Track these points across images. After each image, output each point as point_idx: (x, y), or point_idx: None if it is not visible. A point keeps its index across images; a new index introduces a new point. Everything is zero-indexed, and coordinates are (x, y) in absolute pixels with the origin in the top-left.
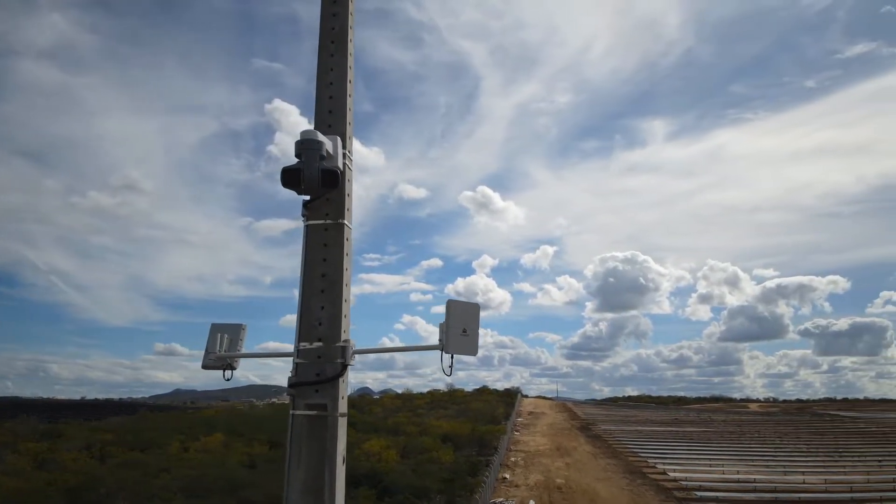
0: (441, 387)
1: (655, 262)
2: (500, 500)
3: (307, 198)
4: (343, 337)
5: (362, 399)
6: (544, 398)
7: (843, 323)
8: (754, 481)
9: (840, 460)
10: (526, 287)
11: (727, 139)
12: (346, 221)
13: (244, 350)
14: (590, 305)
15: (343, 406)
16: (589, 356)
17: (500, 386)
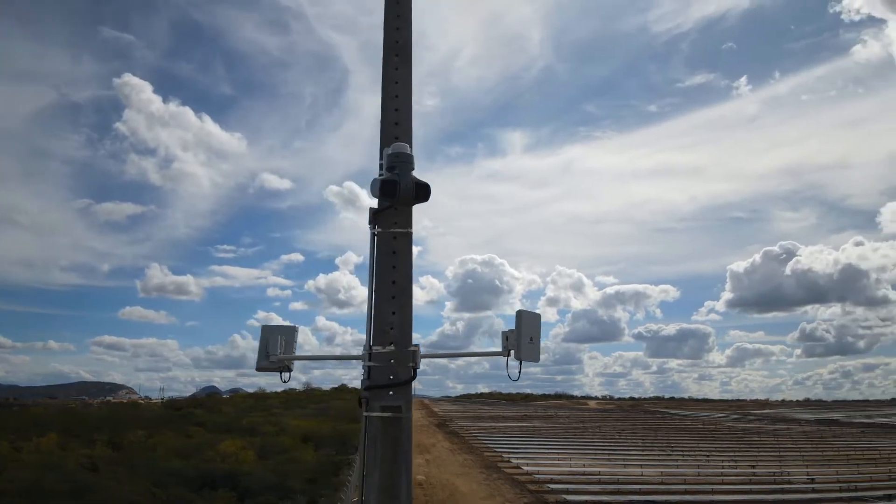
0: (296, 386)
1: (511, 266)
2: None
3: (374, 206)
4: (412, 342)
5: (211, 398)
6: None
7: (671, 328)
8: (598, 474)
9: (672, 454)
10: None
11: (578, 154)
12: (412, 231)
13: (297, 351)
14: (449, 305)
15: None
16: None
17: (358, 384)
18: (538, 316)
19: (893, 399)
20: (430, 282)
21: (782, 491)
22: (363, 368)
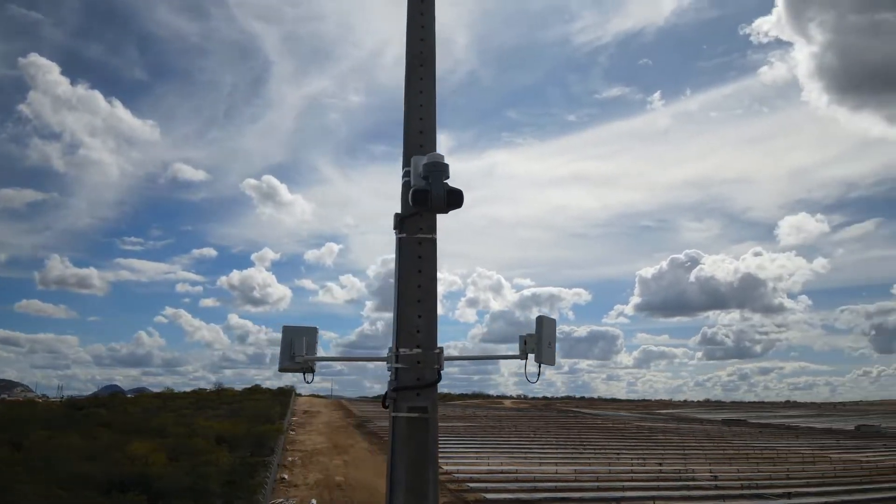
0: (205, 385)
1: None
2: (280, 500)
3: (398, 212)
4: (437, 344)
5: (115, 398)
6: (318, 396)
7: (582, 330)
8: (516, 472)
9: (585, 452)
10: (308, 284)
11: (500, 159)
12: (436, 236)
13: (316, 352)
14: (369, 304)
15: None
16: (364, 354)
17: (272, 385)
18: (555, 321)
19: (787, 401)
20: (351, 281)
21: (688, 488)
22: (389, 370)
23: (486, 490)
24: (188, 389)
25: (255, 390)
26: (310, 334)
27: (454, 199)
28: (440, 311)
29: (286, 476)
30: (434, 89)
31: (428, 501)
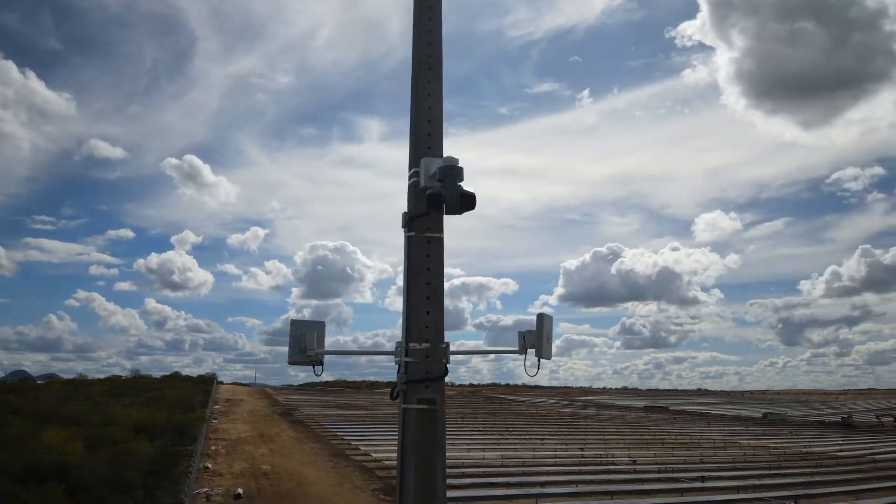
0: (120, 372)
1: (363, 254)
2: (205, 489)
3: (406, 211)
4: (445, 339)
5: (23, 384)
6: (240, 384)
7: (509, 319)
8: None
9: (510, 438)
10: (231, 269)
11: None
12: (443, 235)
13: (326, 345)
14: (296, 292)
15: None
16: (288, 342)
17: (191, 372)
18: (552, 318)
19: (699, 389)
20: (277, 266)
21: (608, 472)
22: (397, 364)
23: None
24: (102, 376)
25: (175, 378)
26: (318, 328)
27: (467, 202)
28: (448, 305)
29: (210, 465)
30: (441, 93)
31: (437, 487)
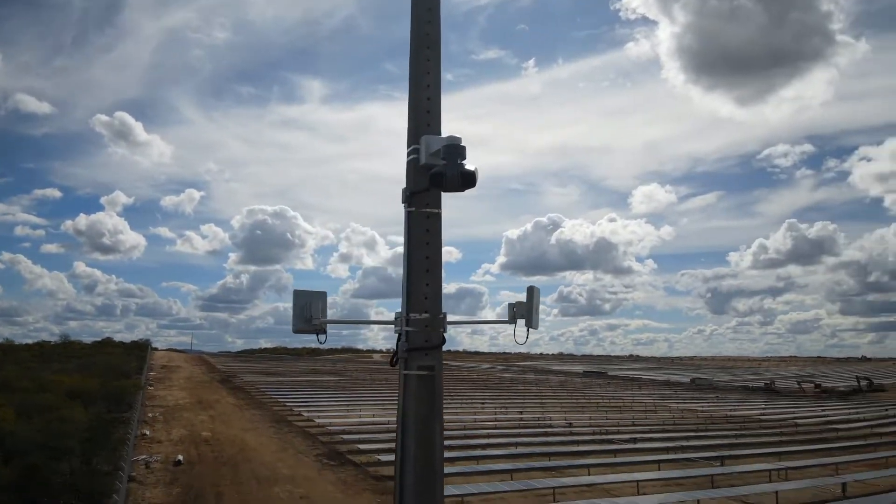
0: (48, 337)
1: (304, 220)
2: (144, 456)
3: (405, 188)
4: (442, 310)
5: None
6: (176, 351)
7: (452, 287)
8: (388, 423)
9: (452, 402)
10: (165, 232)
11: (376, 112)
12: (441, 211)
13: (328, 314)
14: (233, 257)
15: None
16: (226, 308)
17: (123, 338)
18: (539, 290)
19: (630, 355)
20: (213, 230)
21: (546, 434)
22: (398, 333)
23: (360, 441)
24: (30, 341)
25: (107, 343)
26: (321, 298)
27: (468, 180)
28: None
29: (148, 432)
30: (439, 71)
31: (436, 448)
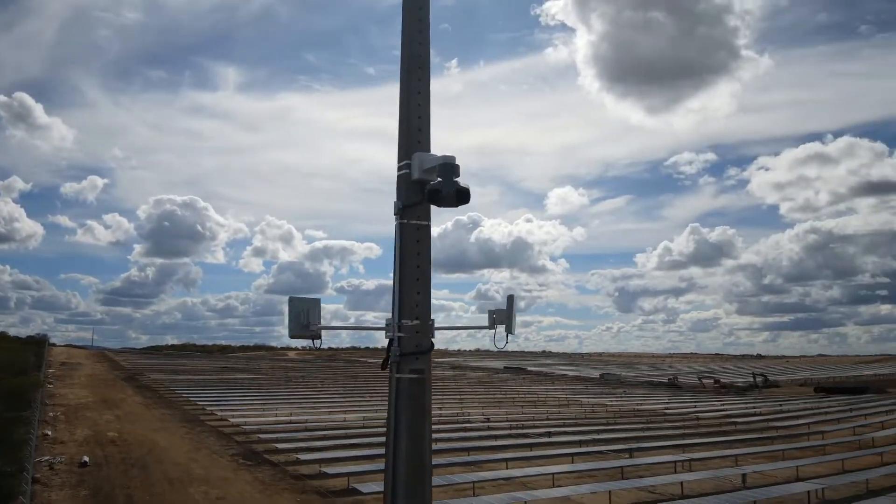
0: None
1: (216, 212)
2: (47, 458)
3: (397, 201)
4: (431, 317)
5: None
6: (76, 346)
7: (371, 283)
8: (305, 422)
9: (371, 400)
10: (64, 221)
11: (295, 103)
12: (430, 223)
13: (322, 322)
14: (138, 248)
15: None
16: (130, 302)
17: (18, 332)
18: (515, 297)
19: (543, 351)
20: (118, 220)
21: (464, 429)
22: (389, 338)
23: (277, 441)
24: None
25: (1, 338)
26: (315, 305)
27: (462, 197)
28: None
29: (50, 432)
30: (429, 91)
31: (425, 444)
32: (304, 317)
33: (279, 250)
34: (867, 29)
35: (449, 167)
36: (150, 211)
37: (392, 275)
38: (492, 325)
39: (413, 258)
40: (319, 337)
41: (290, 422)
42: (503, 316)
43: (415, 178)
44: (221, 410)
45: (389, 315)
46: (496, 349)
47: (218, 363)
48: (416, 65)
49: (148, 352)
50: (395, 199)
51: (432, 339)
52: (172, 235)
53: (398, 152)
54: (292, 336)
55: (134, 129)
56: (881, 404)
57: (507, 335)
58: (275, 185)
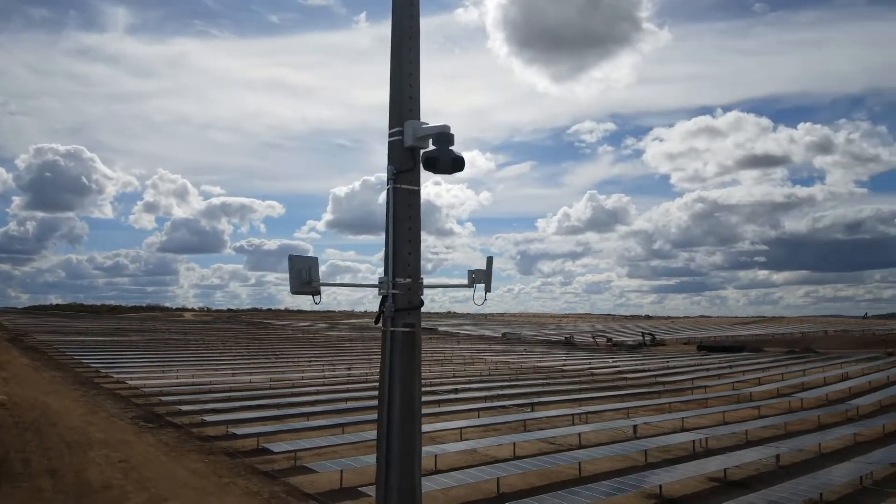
0: None
1: (103, 163)
2: None
3: (390, 167)
4: (421, 275)
5: None
6: None
7: (273, 243)
8: (209, 383)
9: (277, 362)
10: None
11: (191, 49)
12: (420, 188)
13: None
14: (18, 201)
15: None
16: (8, 259)
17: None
18: (492, 258)
19: (448, 312)
20: None
21: (375, 389)
22: (383, 294)
23: (180, 402)
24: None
25: None
26: (314, 263)
27: (458, 165)
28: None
29: None
30: (419, 61)
31: (415, 392)
32: (306, 274)
33: (173, 206)
34: (761, 7)
35: (444, 136)
36: (31, 161)
37: (384, 236)
38: (471, 284)
39: (405, 221)
40: (319, 293)
41: (193, 384)
42: (482, 276)
43: (408, 145)
44: (117, 373)
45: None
46: (477, 305)
47: (110, 324)
48: (406, 35)
49: (31, 311)
50: (388, 165)
51: (421, 296)
52: (55, 187)
53: (389, 119)
54: (294, 292)
55: (12, 71)
56: (757, 362)
57: (485, 293)
58: (168, 136)
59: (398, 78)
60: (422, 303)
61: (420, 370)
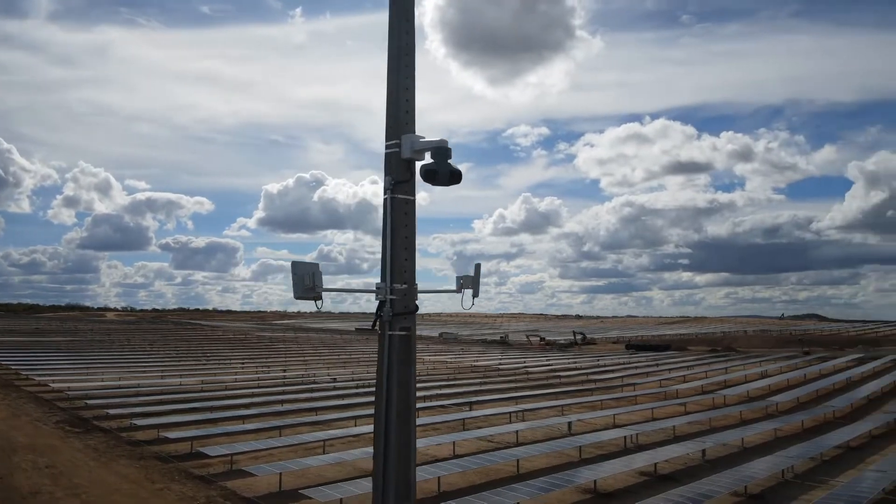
0: None
1: (20, 155)
2: None
3: (387, 178)
4: (416, 281)
5: None
6: None
7: (201, 241)
8: (137, 386)
9: (208, 363)
10: None
11: (116, 38)
12: (415, 199)
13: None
14: None
15: None
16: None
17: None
18: (480, 265)
19: None
20: None
21: (311, 390)
22: (380, 300)
23: (108, 406)
24: None
25: None
26: (315, 268)
27: (455, 177)
28: None
29: None
30: (414, 77)
31: (411, 389)
32: (309, 279)
33: (94, 201)
34: (688, 18)
35: (442, 151)
36: None
37: (381, 243)
38: (459, 290)
39: (402, 229)
40: (321, 298)
41: (120, 386)
42: (469, 282)
43: (405, 157)
44: (39, 375)
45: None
46: (465, 309)
47: (27, 324)
48: (403, 52)
49: None
50: (385, 175)
51: (416, 302)
52: None
53: (386, 131)
54: (297, 297)
55: None
56: (682, 360)
57: (473, 298)
58: (90, 127)
59: (395, 91)
60: (417, 308)
61: (415, 371)
